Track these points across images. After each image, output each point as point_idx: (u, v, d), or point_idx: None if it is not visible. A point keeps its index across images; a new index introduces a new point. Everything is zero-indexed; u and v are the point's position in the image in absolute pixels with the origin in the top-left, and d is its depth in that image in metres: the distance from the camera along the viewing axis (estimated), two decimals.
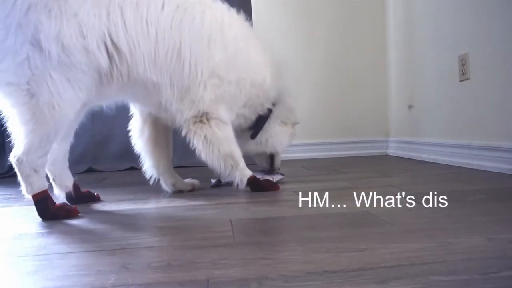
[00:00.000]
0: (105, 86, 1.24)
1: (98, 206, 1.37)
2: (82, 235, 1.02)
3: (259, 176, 1.61)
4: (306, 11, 2.95)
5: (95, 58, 1.17)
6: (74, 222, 1.15)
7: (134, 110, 1.59)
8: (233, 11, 1.54)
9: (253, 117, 1.62)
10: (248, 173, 1.49)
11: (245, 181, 1.47)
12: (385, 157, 2.84)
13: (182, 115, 1.40)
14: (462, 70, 2.06)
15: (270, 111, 1.66)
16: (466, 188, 1.47)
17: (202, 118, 1.41)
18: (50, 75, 1.11)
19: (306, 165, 2.47)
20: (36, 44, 1.09)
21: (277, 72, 1.64)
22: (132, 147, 1.60)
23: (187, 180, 1.64)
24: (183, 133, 1.45)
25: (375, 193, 1.40)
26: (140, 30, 1.25)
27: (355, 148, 2.99)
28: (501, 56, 1.80)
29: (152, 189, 1.60)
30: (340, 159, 2.80)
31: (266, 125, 1.66)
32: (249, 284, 0.66)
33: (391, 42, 2.95)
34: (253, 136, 1.65)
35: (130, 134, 1.60)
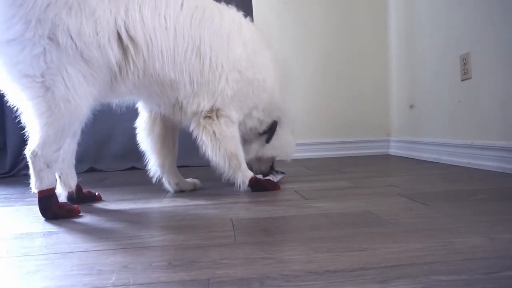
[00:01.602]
0: (119, 83, 1.25)
1: (99, 206, 1.37)
2: (83, 235, 1.02)
3: (259, 175, 1.61)
4: (307, 10, 2.95)
5: (106, 53, 1.19)
6: (75, 221, 1.15)
7: (143, 108, 1.58)
8: (248, 19, 1.58)
9: (268, 121, 1.65)
10: (250, 174, 1.50)
11: (247, 182, 1.48)
12: (386, 157, 2.83)
13: (198, 106, 1.41)
14: (463, 70, 2.06)
15: (279, 118, 1.70)
16: (468, 187, 1.47)
17: (212, 114, 1.42)
18: (67, 70, 1.13)
19: (307, 164, 2.47)
20: (54, 39, 1.12)
21: (284, 82, 1.69)
22: (133, 147, 1.60)
23: (189, 180, 1.65)
24: (191, 128, 1.45)
25: (376, 192, 1.40)
26: (158, 24, 1.27)
27: (356, 148, 2.99)
28: (503, 56, 1.79)
29: (153, 189, 1.61)
30: (341, 158, 2.80)
31: (279, 131, 1.69)
32: (250, 284, 0.66)
33: (392, 41, 2.95)
34: (268, 140, 1.68)
35: (136, 132, 1.59)
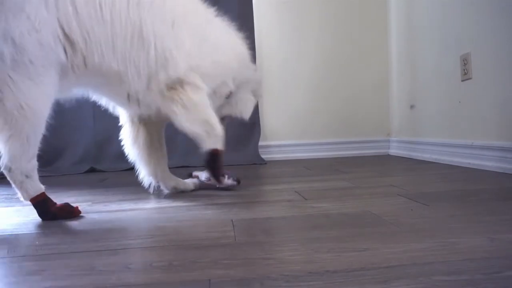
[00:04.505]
0: (62, 78, 1.17)
1: (99, 206, 1.37)
2: (83, 235, 1.02)
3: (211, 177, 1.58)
4: (307, 10, 2.94)
5: (52, 51, 1.11)
6: (75, 222, 1.15)
7: (124, 119, 1.56)
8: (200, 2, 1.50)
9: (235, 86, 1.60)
10: (220, 146, 1.40)
11: (215, 146, 1.39)
12: (386, 157, 2.83)
13: (157, 81, 1.31)
14: (464, 70, 2.05)
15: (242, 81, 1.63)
16: (468, 188, 1.47)
17: (176, 85, 1.34)
18: (10, 77, 1.06)
19: (308, 165, 2.47)
20: None
21: (246, 51, 1.61)
22: None
23: (188, 180, 1.64)
24: (159, 104, 1.35)
25: (376, 193, 1.40)
26: (94, 15, 1.17)
27: (356, 148, 2.99)
28: (503, 56, 1.79)
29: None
30: (342, 159, 2.80)
31: (238, 90, 1.62)
32: (250, 284, 0.66)
33: (393, 42, 2.95)
34: (227, 96, 1.60)
35: (122, 144, 1.57)
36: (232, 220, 1.09)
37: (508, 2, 1.76)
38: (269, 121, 2.94)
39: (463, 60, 2.05)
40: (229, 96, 1.60)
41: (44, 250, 0.89)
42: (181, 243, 0.91)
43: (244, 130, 2.74)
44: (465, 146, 2.04)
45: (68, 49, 1.15)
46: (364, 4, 2.99)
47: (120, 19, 1.22)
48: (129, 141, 1.54)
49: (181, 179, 1.61)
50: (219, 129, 1.40)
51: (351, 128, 3.00)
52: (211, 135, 1.38)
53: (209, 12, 1.53)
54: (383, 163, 2.49)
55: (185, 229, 1.03)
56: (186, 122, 1.36)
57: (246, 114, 1.67)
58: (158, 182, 1.56)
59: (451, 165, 2.12)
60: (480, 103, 1.96)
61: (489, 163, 1.85)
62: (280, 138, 2.95)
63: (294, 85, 2.95)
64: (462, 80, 2.08)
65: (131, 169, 1.61)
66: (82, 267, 0.77)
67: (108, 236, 0.99)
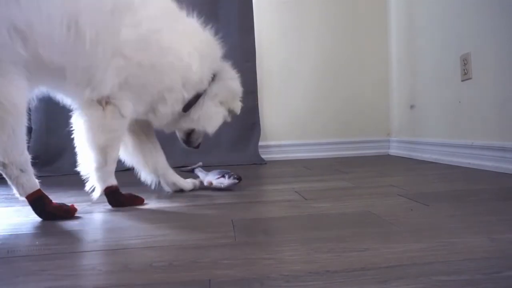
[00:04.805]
0: (28, 74, 1.15)
1: (99, 206, 1.37)
2: (83, 235, 1.02)
3: (216, 176, 1.58)
4: (307, 10, 2.95)
5: (11, 49, 1.09)
6: (75, 222, 1.15)
7: None
8: None
9: (191, 95, 1.48)
10: (111, 181, 1.36)
11: (101, 187, 1.34)
12: (386, 157, 2.83)
13: (81, 98, 1.27)
14: (464, 70, 2.05)
15: (205, 90, 1.52)
16: (468, 188, 1.47)
17: (102, 101, 1.28)
18: None
19: (308, 165, 2.47)
20: None
21: (211, 52, 1.51)
22: None
23: (188, 180, 1.64)
24: (77, 115, 1.32)
25: (376, 193, 1.40)
26: (32, 7, 1.13)
27: (356, 148, 2.99)
28: (503, 56, 1.79)
29: (153, 189, 1.60)
30: (342, 159, 2.80)
31: (201, 102, 1.51)
32: (250, 284, 0.66)
33: (393, 41, 2.95)
34: (185, 109, 1.48)
35: None
36: (232, 220, 1.09)
37: (508, 2, 1.76)
38: (269, 121, 2.94)
39: (463, 60, 2.05)
40: (187, 109, 1.49)
41: (44, 250, 0.89)
42: (180, 243, 0.91)
43: (244, 130, 2.75)
44: (465, 146, 2.05)
45: (25, 42, 1.12)
46: (364, 4, 2.99)
47: (56, 9, 1.16)
48: (121, 147, 1.49)
49: (181, 178, 1.61)
50: (112, 166, 1.36)
51: (351, 128, 3.00)
52: (98, 169, 1.33)
53: (174, 11, 1.43)
54: (383, 163, 2.49)
55: (185, 229, 1.03)
56: (85, 141, 1.31)
57: (211, 128, 1.56)
58: (158, 178, 1.57)
59: (451, 165, 2.12)
60: (480, 103, 1.96)
61: (489, 163, 1.85)
62: (280, 138, 2.95)
63: (294, 85, 2.95)
64: (462, 80, 2.08)
65: (131, 169, 1.60)
66: (82, 267, 0.77)
67: (107, 236, 0.99)
